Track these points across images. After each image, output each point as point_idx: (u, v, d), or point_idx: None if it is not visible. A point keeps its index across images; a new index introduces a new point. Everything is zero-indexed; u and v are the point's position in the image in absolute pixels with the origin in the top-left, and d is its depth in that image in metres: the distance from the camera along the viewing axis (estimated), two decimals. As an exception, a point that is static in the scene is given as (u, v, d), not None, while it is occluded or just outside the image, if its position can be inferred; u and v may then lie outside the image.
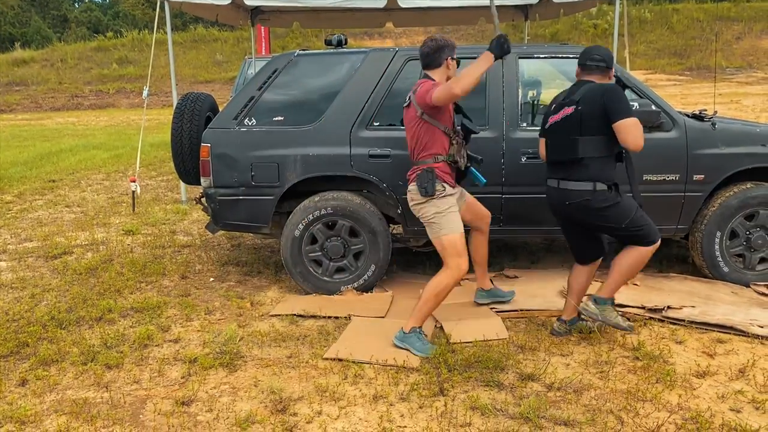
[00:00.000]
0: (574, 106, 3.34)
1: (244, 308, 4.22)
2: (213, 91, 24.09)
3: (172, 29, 7.22)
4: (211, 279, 4.83)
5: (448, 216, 3.52)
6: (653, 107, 4.06)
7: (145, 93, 7.13)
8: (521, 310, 4.03)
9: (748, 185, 4.22)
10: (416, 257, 5.10)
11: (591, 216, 3.41)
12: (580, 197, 3.36)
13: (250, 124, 4.32)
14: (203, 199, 4.60)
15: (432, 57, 3.55)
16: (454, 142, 3.55)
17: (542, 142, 3.68)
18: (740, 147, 4.18)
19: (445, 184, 3.51)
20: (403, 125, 3.69)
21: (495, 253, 5.32)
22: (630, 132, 3.21)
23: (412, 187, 3.56)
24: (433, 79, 3.52)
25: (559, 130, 3.44)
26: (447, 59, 3.56)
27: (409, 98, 3.57)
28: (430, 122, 3.49)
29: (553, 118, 3.48)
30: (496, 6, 7.47)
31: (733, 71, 27.03)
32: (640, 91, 4.24)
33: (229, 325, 3.91)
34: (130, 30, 32.95)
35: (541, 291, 4.35)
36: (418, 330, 3.50)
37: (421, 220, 3.62)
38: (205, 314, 4.14)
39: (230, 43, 28.45)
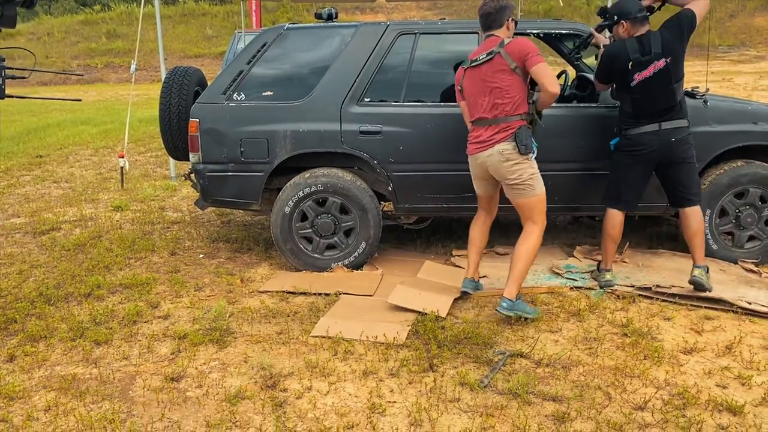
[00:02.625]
0: (664, 60, 3.65)
1: (234, 285, 4.21)
2: (203, 66, 23.82)
3: (161, 2, 7.09)
4: (201, 255, 4.81)
5: (538, 176, 3.57)
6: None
7: (132, 68, 7.03)
8: (511, 287, 4.03)
9: (739, 163, 4.22)
10: (406, 234, 5.09)
11: (687, 150, 3.74)
12: (684, 132, 3.72)
13: (239, 98, 4.26)
14: (192, 175, 4.56)
15: (495, 17, 3.55)
16: (530, 101, 3.56)
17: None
18: (731, 125, 4.17)
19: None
20: (456, 89, 3.75)
21: (486, 230, 5.31)
22: None
23: (507, 145, 3.47)
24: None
25: (653, 84, 3.67)
26: (508, 20, 3.57)
27: (492, 53, 3.46)
28: (523, 78, 3.48)
29: (643, 75, 3.67)
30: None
31: (726, 49, 26.95)
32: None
33: (219, 301, 3.90)
34: (119, 3, 32.41)
35: (531, 268, 4.35)
36: (520, 296, 3.59)
37: (510, 182, 3.53)
38: (195, 291, 4.13)
39: (220, 18, 28.05)
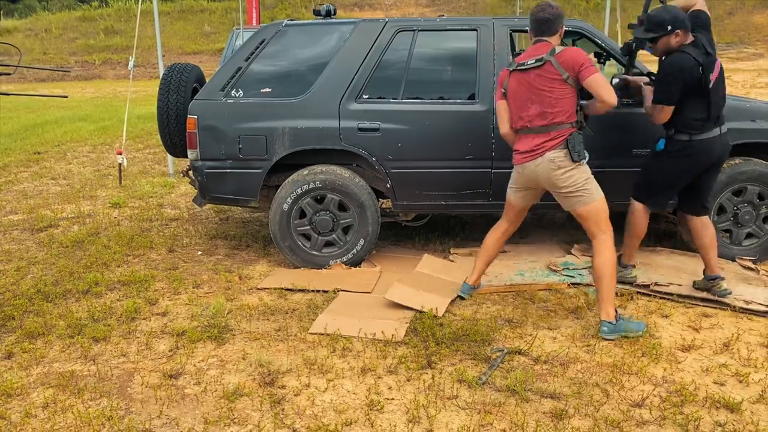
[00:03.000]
0: (719, 60, 3.64)
1: (232, 282, 4.20)
2: (201, 63, 23.77)
3: (158, -2, 7.08)
4: (199, 252, 4.81)
5: (593, 181, 3.43)
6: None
7: (130, 64, 7.02)
8: (509, 285, 4.04)
9: (737, 161, 4.22)
10: (405, 232, 5.09)
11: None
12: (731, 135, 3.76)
13: (237, 95, 4.26)
14: (190, 172, 4.55)
15: (551, 24, 3.45)
16: (578, 109, 3.45)
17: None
18: (730, 122, 4.15)
19: None
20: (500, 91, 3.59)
21: (484, 227, 5.31)
22: None
23: (558, 153, 3.35)
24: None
25: (719, 84, 3.61)
26: (562, 27, 3.51)
27: (543, 60, 3.34)
28: (575, 87, 3.35)
29: (714, 76, 3.55)
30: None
31: (725, 47, 26.93)
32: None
33: (217, 298, 3.89)
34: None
35: (529, 266, 4.36)
36: (619, 314, 3.39)
37: (565, 191, 3.40)
38: (193, 288, 4.13)
39: (218, 14, 27.99)
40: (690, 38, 3.57)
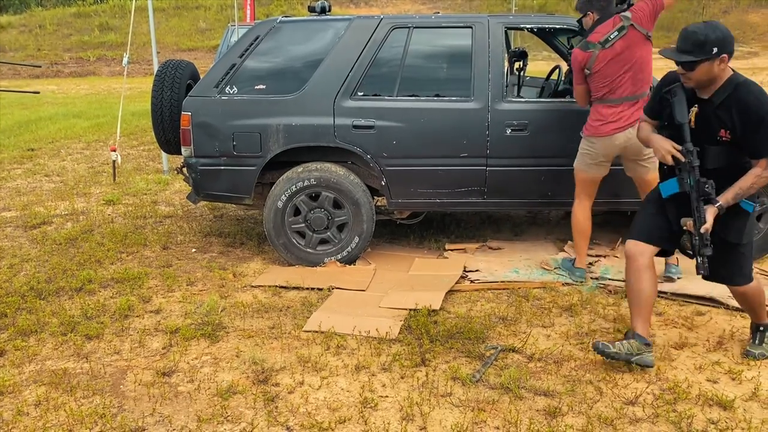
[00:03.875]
0: None
1: (226, 279, 4.19)
2: (196, 60, 23.67)
3: (152, -5, 7.04)
4: (193, 250, 4.79)
5: None
6: None
7: (125, 61, 6.98)
8: (503, 282, 4.05)
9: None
10: (400, 229, 5.08)
11: None
12: None
13: (231, 92, 4.24)
14: (184, 169, 4.53)
15: None
16: None
17: None
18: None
19: None
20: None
21: (478, 225, 5.32)
22: None
23: None
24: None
25: None
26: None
27: (624, 27, 3.62)
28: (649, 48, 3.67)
29: None
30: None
31: (720, 45, 26.86)
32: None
33: (211, 296, 3.88)
34: (111, -4, 32.14)
35: (524, 263, 4.37)
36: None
37: (645, 157, 3.78)
38: (187, 285, 4.11)
39: (214, 10, 27.87)
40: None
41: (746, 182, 2.77)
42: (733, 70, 2.83)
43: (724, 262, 2.97)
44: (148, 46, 7.49)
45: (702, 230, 2.76)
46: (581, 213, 4.02)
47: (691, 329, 3.43)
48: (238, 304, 3.77)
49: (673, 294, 3.80)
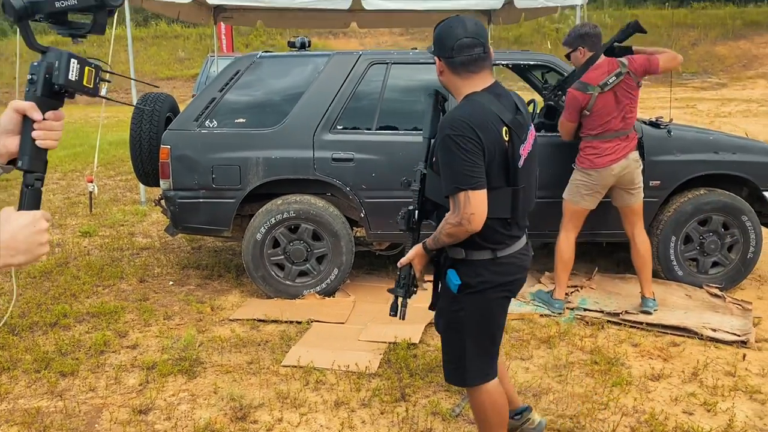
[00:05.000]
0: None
1: (204, 313, 4.16)
2: (175, 89, 23.67)
3: (133, 25, 7.07)
4: (171, 282, 4.75)
5: None
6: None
7: (103, 91, 6.96)
8: (482, 314, 4.06)
9: (702, 191, 4.33)
10: (379, 260, 5.10)
11: None
12: None
13: (211, 125, 4.26)
14: (163, 202, 4.52)
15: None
16: None
17: None
18: (694, 154, 4.29)
19: None
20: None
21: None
22: None
23: (635, 153, 3.92)
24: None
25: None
26: None
27: (621, 73, 3.82)
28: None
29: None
30: (460, 10, 7.53)
31: (689, 76, 27.72)
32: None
33: (189, 330, 3.85)
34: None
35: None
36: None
37: (636, 186, 3.96)
38: (164, 319, 4.07)
39: (193, 40, 27.98)
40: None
41: (439, 228, 2.13)
42: (496, 84, 2.17)
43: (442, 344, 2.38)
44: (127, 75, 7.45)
45: (398, 264, 2.30)
46: (566, 244, 4.08)
47: (666, 360, 3.47)
48: (216, 339, 3.74)
49: (648, 324, 3.85)
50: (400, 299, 2.25)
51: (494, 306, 2.23)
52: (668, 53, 3.94)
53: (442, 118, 2.09)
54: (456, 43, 2.08)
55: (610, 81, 3.83)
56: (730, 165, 4.34)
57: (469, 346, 2.24)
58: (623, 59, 3.89)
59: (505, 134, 2.04)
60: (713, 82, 26.63)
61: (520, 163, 2.10)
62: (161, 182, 4.33)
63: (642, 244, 4.01)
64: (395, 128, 4.33)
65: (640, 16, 32.49)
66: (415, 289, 2.26)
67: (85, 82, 1.29)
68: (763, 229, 4.47)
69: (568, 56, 4.09)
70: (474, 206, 1.99)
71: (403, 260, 2.27)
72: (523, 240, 2.26)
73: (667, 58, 3.89)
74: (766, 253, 5.16)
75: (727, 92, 24.27)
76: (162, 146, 4.26)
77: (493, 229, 2.10)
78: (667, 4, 38.24)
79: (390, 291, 2.29)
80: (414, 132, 4.32)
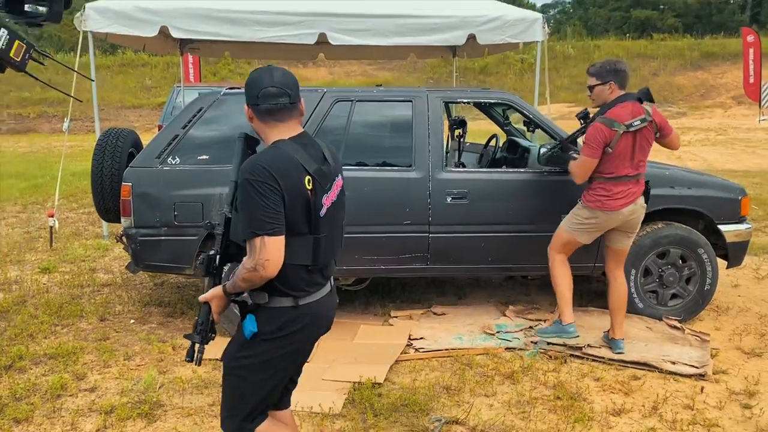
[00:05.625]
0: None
1: (165, 353, 4.08)
2: (141, 117, 23.51)
3: (100, 52, 7.02)
4: (132, 321, 4.66)
5: None
6: (573, 153, 4.24)
7: (65, 125, 6.89)
8: (447, 349, 4.08)
9: (659, 225, 4.44)
10: (345, 296, 5.08)
11: None
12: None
13: (173, 162, 4.23)
14: (124, 239, 4.45)
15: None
16: None
17: None
18: (652, 189, 4.39)
19: None
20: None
21: (424, 289, 5.38)
22: None
23: (642, 198, 3.90)
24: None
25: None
26: None
27: (646, 120, 3.78)
28: None
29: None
30: (424, 46, 7.65)
31: (650, 106, 28.42)
32: (557, 133, 4.43)
33: (149, 371, 3.77)
34: (56, 52, 31.82)
35: (467, 329, 4.42)
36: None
37: (634, 232, 3.98)
38: (124, 360, 3.99)
39: (160, 68, 27.89)
40: None
41: (237, 272, 2.08)
42: (304, 134, 2.19)
43: None
44: (91, 104, 7.39)
45: (200, 298, 2.23)
46: (561, 266, 4.07)
47: (627, 394, 3.51)
48: (177, 380, 3.67)
49: (610, 359, 3.90)
50: (197, 345, 2.18)
51: (285, 355, 2.19)
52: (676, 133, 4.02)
53: (244, 163, 2.10)
54: (261, 92, 2.11)
55: (635, 124, 3.74)
56: (686, 200, 4.47)
57: (247, 394, 2.21)
58: (647, 107, 3.83)
59: (308, 183, 2.07)
60: (673, 111, 27.43)
61: (323, 212, 2.12)
62: (122, 220, 4.27)
63: (622, 285, 4.01)
64: (361, 164, 4.36)
65: (602, 47, 33.45)
66: (213, 335, 2.21)
67: (12, 54, 1.27)
68: (719, 261, 4.59)
69: (591, 88, 3.93)
70: (269, 252, 1.99)
71: (200, 296, 2.23)
72: (327, 288, 2.25)
73: (677, 134, 4.00)
74: (723, 284, 5.31)
75: (687, 121, 25.00)
76: (123, 183, 4.21)
77: (295, 275, 2.11)
78: (627, 35, 39.47)
79: (186, 337, 2.22)
80: (378, 168, 4.36)
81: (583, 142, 3.85)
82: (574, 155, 4.08)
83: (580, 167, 3.87)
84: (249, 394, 2.21)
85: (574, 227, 4.00)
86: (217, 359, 3.90)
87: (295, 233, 2.07)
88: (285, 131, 2.14)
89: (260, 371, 2.18)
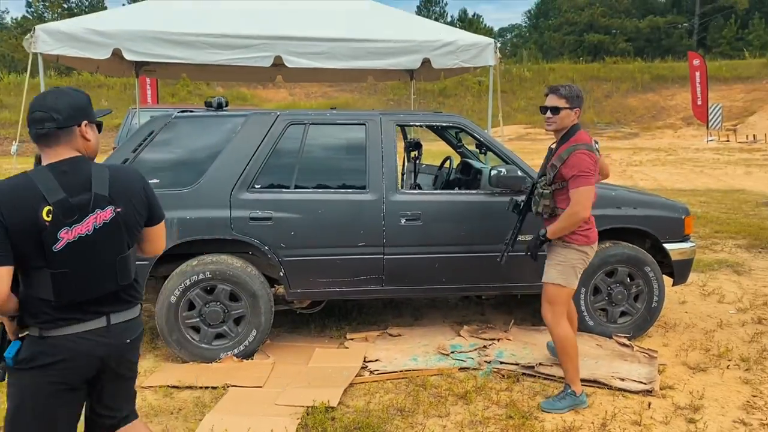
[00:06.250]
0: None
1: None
2: (97, 139, 23.05)
3: (55, 74, 6.91)
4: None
5: None
6: (519, 172, 4.33)
7: (13, 149, 6.73)
8: (402, 371, 4.08)
9: (607, 244, 4.55)
10: (300, 319, 5.06)
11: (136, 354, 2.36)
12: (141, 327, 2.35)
13: (123, 186, 4.17)
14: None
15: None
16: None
17: None
18: (599, 209, 4.49)
19: None
20: None
21: (380, 310, 5.38)
22: None
23: None
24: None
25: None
26: None
27: (595, 145, 3.58)
28: None
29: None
30: (382, 70, 7.74)
31: (604, 126, 29.33)
32: (506, 156, 4.53)
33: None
34: (7, 73, 31.14)
35: (422, 350, 4.43)
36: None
37: None
38: None
39: (117, 90, 27.55)
40: None
41: None
42: (70, 161, 2.11)
43: None
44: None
45: None
46: (567, 332, 3.61)
47: (578, 412, 3.57)
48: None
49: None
50: None
51: (39, 391, 2.08)
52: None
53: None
54: (30, 117, 2.09)
55: (595, 147, 3.53)
56: (632, 219, 4.60)
57: (21, 424, 2.11)
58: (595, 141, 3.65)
59: (46, 214, 1.98)
60: (626, 132, 28.25)
61: (58, 245, 2.00)
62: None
63: (574, 311, 4.04)
64: (314, 187, 4.37)
65: (557, 70, 34.36)
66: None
67: None
68: (666, 278, 4.73)
69: (556, 110, 3.54)
70: None
71: None
72: (91, 324, 2.11)
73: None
74: (671, 301, 5.47)
75: (638, 141, 25.76)
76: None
77: (37, 307, 2.04)
78: (581, 58, 40.61)
79: None
80: (332, 191, 4.38)
81: (576, 175, 3.42)
82: (520, 173, 4.17)
83: (587, 199, 3.44)
84: (23, 424, 2.11)
85: (569, 276, 3.56)
86: (167, 385, 3.84)
87: (31, 266, 2.01)
88: (53, 155, 2.09)
89: (21, 400, 2.10)
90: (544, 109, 3.60)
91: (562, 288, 3.58)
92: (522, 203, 3.90)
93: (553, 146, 3.71)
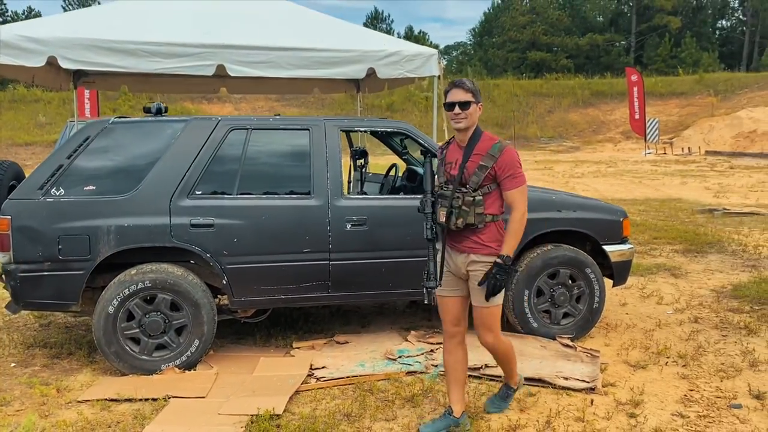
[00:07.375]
0: None
1: (48, 395, 3.81)
2: (34, 155, 22.28)
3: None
4: (12, 364, 4.34)
5: None
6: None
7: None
8: (349, 377, 4.04)
9: (549, 247, 4.64)
10: (245, 328, 4.96)
11: None
12: None
13: (57, 194, 4.02)
14: (2, 276, 4.17)
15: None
16: None
17: None
18: (540, 213, 4.60)
19: None
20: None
21: (328, 318, 5.33)
22: None
23: None
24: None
25: None
26: None
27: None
28: None
29: None
30: (329, 79, 7.73)
31: (547, 140, 30.09)
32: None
33: (29, 416, 3.51)
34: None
35: (369, 356, 4.41)
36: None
37: None
38: (1, 406, 3.69)
39: (55, 104, 26.71)
40: None
41: None
42: None
43: None
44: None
45: None
46: (506, 341, 3.47)
47: (523, 411, 3.60)
48: (61, 424, 3.43)
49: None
50: None
51: None
52: None
53: None
54: None
55: None
56: (572, 222, 4.71)
57: None
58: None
59: None
60: (568, 145, 29.04)
61: None
62: (0, 255, 4.00)
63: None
64: (257, 193, 4.31)
65: (501, 86, 35.11)
66: None
67: None
68: (606, 280, 4.85)
69: (466, 105, 3.14)
70: None
71: None
72: None
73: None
74: (612, 303, 5.61)
75: (580, 155, 26.50)
76: (1, 217, 3.96)
77: None
78: (524, 75, 41.63)
79: None
80: (276, 196, 4.33)
81: (513, 174, 3.16)
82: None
83: (526, 198, 3.20)
84: None
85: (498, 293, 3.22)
86: (105, 399, 3.71)
87: None
88: None
89: None
90: (451, 105, 3.16)
91: (495, 308, 3.27)
92: (429, 227, 3.25)
93: (458, 146, 3.30)
